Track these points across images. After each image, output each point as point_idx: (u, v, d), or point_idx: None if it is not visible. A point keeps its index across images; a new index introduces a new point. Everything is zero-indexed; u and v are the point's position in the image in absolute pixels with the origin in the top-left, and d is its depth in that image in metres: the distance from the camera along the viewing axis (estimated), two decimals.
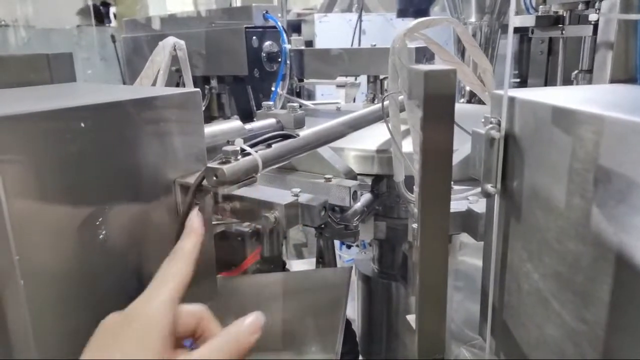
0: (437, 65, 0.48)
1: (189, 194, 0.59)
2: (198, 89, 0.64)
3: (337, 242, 1.92)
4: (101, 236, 0.55)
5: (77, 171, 0.52)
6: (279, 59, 1.48)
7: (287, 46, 1.46)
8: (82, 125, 0.51)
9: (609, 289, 0.42)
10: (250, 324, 0.52)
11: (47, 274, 0.51)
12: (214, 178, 0.57)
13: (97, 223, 0.55)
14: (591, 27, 1.05)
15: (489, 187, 0.53)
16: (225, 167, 0.57)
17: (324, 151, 0.86)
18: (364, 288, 1.36)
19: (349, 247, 1.68)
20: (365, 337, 1.39)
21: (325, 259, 1.14)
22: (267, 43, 1.48)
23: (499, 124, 0.52)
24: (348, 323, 1.09)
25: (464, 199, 0.72)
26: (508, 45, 0.50)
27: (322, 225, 0.79)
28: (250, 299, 1.02)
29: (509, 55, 0.51)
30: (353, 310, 1.43)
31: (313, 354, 0.99)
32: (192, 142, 0.65)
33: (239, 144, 0.61)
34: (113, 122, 0.55)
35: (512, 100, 0.52)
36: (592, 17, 0.80)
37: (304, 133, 0.74)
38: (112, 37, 2.22)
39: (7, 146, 0.46)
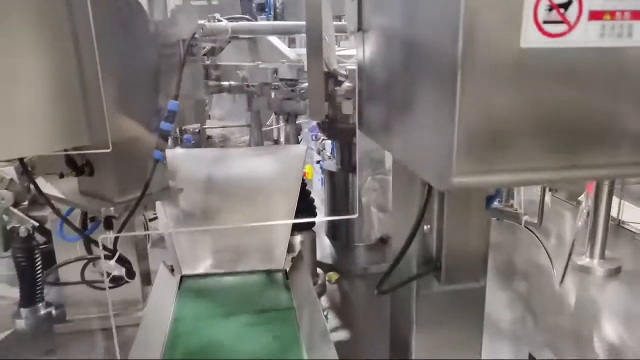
0: None
1: (185, 44, 1.00)
2: None
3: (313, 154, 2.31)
4: (136, 65, 0.97)
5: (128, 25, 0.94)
6: None
7: None
8: None
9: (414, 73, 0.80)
10: None
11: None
12: (201, 30, 0.99)
13: (132, 57, 0.96)
14: None
15: (351, 27, 0.93)
16: (207, 24, 0.99)
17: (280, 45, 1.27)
18: (329, 181, 1.76)
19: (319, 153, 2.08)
20: (331, 221, 1.79)
21: (289, 138, 1.54)
22: None
23: None
24: (304, 184, 1.47)
25: None
26: None
27: (275, 87, 1.20)
28: (218, 166, 1.41)
29: None
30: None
31: (277, 201, 1.38)
32: (190, 21, 1.06)
33: (216, 16, 1.02)
34: None
35: None
36: None
37: (262, 22, 1.15)
38: None
39: None
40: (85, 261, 1.12)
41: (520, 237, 1.88)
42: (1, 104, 0.79)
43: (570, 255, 1.31)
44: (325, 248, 1.79)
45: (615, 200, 1.94)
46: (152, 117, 1.01)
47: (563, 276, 1.33)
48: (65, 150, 0.95)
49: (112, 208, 1.00)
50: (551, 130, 0.58)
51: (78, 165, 1.03)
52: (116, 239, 1.04)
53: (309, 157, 2.27)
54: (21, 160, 1.00)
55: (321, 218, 1.69)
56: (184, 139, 1.70)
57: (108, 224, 1.03)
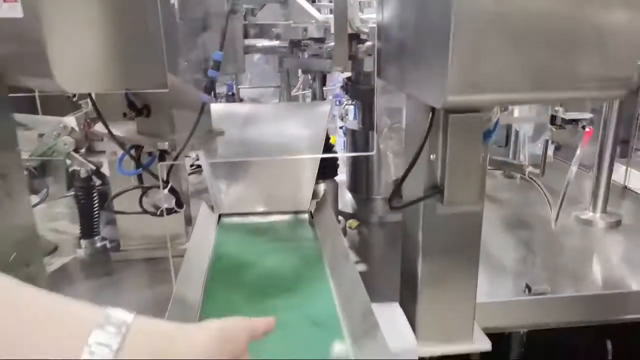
0: None
1: (228, 13, 1.17)
2: None
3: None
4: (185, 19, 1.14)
5: None
6: None
7: None
8: None
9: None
10: (269, 319, 0.63)
11: None
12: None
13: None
14: None
15: None
16: None
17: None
18: (351, 139, 1.92)
19: (342, 119, 2.25)
20: (352, 175, 1.96)
21: (316, 96, 1.70)
22: None
23: None
24: (328, 138, 1.63)
25: None
26: None
27: (305, 45, 1.35)
28: (250, 119, 1.59)
29: None
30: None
31: (303, 151, 1.55)
32: None
33: None
34: None
35: None
36: None
37: None
38: None
39: None
40: (143, 190, 1.31)
41: (531, 195, 2.01)
42: (80, 47, 0.96)
43: (564, 195, 1.45)
44: (346, 200, 1.96)
45: (622, 167, 2.07)
46: (200, 65, 1.19)
47: (557, 215, 1.47)
48: (127, 89, 1.13)
49: (166, 143, 1.19)
50: (525, 61, 0.73)
51: (138, 108, 1.21)
52: (169, 170, 1.23)
53: (332, 123, 2.43)
54: (92, 100, 1.19)
55: (343, 154, 1.86)
56: (227, 84, 1.88)
57: (162, 157, 1.22)
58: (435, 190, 1.04)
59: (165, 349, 0.50)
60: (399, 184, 1.01)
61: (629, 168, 2.11)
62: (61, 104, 1.93)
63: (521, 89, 0.74)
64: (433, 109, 0.90)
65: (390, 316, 1.07)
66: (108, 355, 0.47)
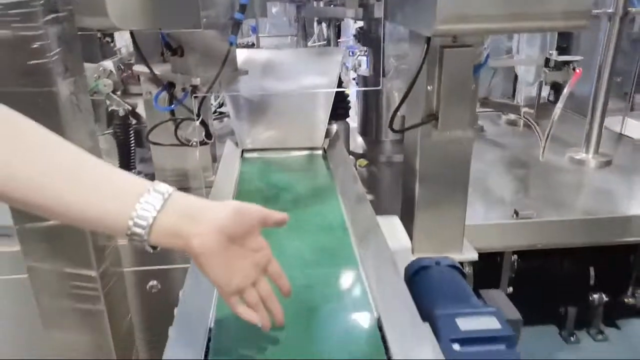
0: None
1: None
2: None
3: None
4: None
5: None
6: None
7: None
8: None
9: None
10: (282, 213, 0.77)
11: None
12: None
13: None
14: None
15: None
16: None
17: None
18: (363, 85, 2.07)
19: (355, 70, 2.39)
20: (362, 120, 2.12)
21: (330, 43, 1.85)
22: None
23: None
24: (341, 82, 1.78)
25: None
26: None
27: None
28: (270, 63, 1.74)
29: None
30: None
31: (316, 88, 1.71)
32: None
33: None
34: None
35: None
36: None
37: None
38: None
39: None
40: (178, 121, 1.49)
41: (531, 140, 2.16)
42: None
43: (550, 128, 1.59)
44: (357, 143, 2.13)
45: (619, 118, 2.21)
46: (227, 9, 1.34)
47: (543, 149, 1.62)
48: (166, 27, 1.29)
49: (198, 78, 1.36)
50: None
51: (173, 48, 1.38)
52: (200, 104, 1.41)
53: (345, 75, 2.57)
54: (134, 39, 1.36)
55: (354, 88, 2.02)
56: (250, 27, 2.03)
57: (194, 92, 1.39)
58: (431, 117, 1.20)
59: (193, 214, 0.68)
60: (398, 106, 1.18)
61: (625, 117, 2.24)
62: (89, 55, 2.09)
63: (499, 20, 0.89)
64: (428, 41, 1.05)
65: (390, 225, 1.25)
66: (152, 211, 0.65)
